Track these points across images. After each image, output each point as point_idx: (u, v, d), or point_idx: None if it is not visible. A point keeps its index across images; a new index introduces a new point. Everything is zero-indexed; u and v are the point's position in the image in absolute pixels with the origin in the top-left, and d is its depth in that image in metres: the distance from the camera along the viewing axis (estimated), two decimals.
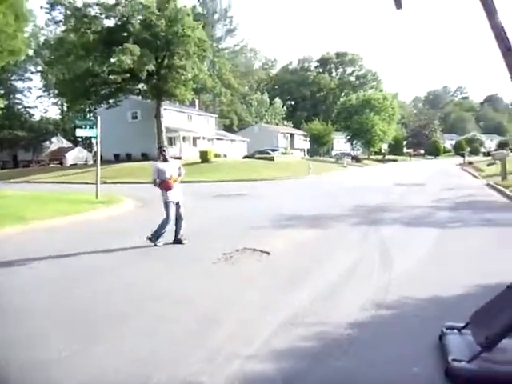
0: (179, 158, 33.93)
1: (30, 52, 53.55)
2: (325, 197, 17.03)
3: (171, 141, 44.51)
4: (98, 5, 38.75)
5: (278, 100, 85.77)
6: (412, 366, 3.37)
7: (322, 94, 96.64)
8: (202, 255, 7.28)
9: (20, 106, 65.36)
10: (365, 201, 14.63)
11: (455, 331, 3.63)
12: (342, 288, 5.39)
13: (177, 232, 8.20)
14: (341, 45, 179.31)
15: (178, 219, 8.16)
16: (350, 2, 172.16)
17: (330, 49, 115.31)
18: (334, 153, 70.92)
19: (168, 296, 5.24)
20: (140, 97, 43.83)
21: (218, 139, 54.24)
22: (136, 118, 46.59)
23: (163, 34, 38.21)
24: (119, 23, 39.34)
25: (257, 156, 46.30)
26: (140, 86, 42.57)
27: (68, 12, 38.96)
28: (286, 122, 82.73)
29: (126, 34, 38.81)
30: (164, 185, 8.11)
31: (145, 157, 41.65)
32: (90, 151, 60.02)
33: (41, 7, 39.68)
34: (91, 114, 57.01)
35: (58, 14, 40.45)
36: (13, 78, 63.67)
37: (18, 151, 61.10)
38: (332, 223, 10.37)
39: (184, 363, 3.51)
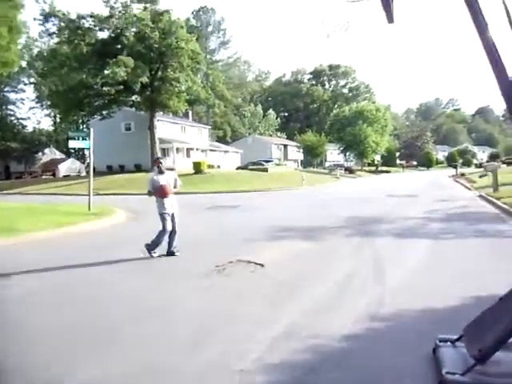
0: (172, 169, 33.86)
1: (23, 63, 53.61)
2: (318, 208, 17.03)
3: (165, 152, 44.45)
4: (91, 17, 38.88)
5: (271, 111, 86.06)
6: (405, 379, 3.35)
7: (315, 105, 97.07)
8: (194, 267, 7.22)
9: (13, 118, 64.97)
10: (358, 212, 14.66)
11: (449, 344, 3.62)
12: (336, 300, 5.37)
13: (170, 244, 8.15)
14: (334, 57, 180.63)
15: (172, 232, 8.11)
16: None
17: (323, 61, 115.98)
18: (327, 164, 71.07)
19: (159, 310, 5.19)
20: (133, 108, 43.82)
21: (211, 150, 54.30)
22: (129, 129, 46.55)
23: (157, 46, 38.40)
24: (113, 35, 39.46)
25: (250, 167, 46.35)
26: (134, 97, 42.61)
27: (62, 24, 39.02)
28: (279, 134, 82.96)
29: (119, 46, 38.96)
30: (160, 192, 8.03)
31: (138, 168, 41.61)
32: (83, 162, 59.80)
33: (34, 19, 39.58)
34: (84, 126, 56.87)
35: (52, 26, 40.61)
36: (6, 89, 63.46)
37: (10, 162, 60.68)
38: (326, 234, 10.37)
39: (175, 379, 3.47)
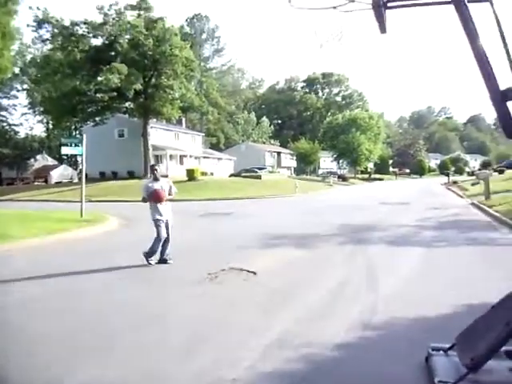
0: (166, 176, 33.80)
1: (16, 70, 53.40)
2: (311, 215, 17.05)
3: (158, 159, 44.35)
4: (85, 23, 38.90)
5: (265, 119, 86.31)
6: None
7: (308, 113, 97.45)
8: (187, 275, 7.19)
9: (5, 124, 64.64)
10: (351, 219, 14.68)
11: (441, 352, 3.62)
12: (329, 308, 5.36)
13: (162, 252, 8.09)
14: (327, 65, 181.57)
15: (166, 239, 8.04)
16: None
17: (317, 69, 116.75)
18: (320, 171, 71.26)
19: (152, 319, 5.15)
20: (127, 115, 43.73)
21: (204, 157, 54.27)
22: (122, 135, 46.39)
23: (151, 53, 38.44)
24: (107, 42, 39.46)
25: (244, 174, 46.35)
26: (127, 104, 42.56)
27: (55, 30, 39.00)
28: (272, 141, 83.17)
29: (113, 53, 38.97)
30: (154, 197, 7.99)
31: (131, 175, 41.45)
32: (76, 169, 59.50)
33: (27, 25, 39.45)
34: (77, 132, 56.68)
35: (45, 33, 40.53)
36: None
37: (2, 168, 60.27)
38: (319, 242, 10.37)
39: None
